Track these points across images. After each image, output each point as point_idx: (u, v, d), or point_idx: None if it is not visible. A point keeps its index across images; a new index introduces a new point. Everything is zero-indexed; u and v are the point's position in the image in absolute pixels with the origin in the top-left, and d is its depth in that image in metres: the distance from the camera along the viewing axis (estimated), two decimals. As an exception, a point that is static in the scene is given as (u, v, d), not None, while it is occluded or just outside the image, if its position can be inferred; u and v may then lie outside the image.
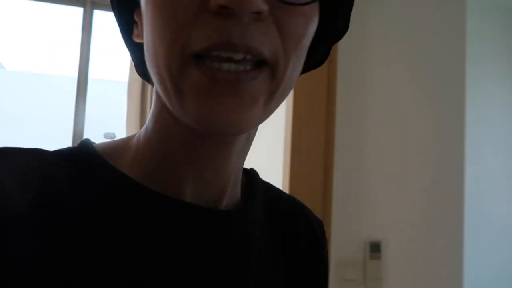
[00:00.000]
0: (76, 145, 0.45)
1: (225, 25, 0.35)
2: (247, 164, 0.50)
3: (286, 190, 1.37)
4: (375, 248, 1.41)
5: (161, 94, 0.40)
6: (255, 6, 0.34)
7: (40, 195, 0.37)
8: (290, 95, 1.39)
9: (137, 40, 0.43)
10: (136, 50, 0.46)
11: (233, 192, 0.47)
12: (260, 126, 0.43)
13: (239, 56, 0.35)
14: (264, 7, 0.35)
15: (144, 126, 0.45)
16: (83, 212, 0.39)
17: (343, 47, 1.44)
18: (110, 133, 5.33)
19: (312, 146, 1.40)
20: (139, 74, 0.50)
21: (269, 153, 1.59)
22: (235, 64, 0.35)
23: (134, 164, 0.43)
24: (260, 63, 0.37)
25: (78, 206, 0.39)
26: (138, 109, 2.54)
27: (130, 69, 2.61)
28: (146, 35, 0.39)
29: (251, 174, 0.53)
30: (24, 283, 0.34)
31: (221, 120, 0.36)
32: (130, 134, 0.48)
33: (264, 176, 0.54)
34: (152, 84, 0.46)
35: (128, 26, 0.45)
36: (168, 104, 0.39)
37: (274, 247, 0.52)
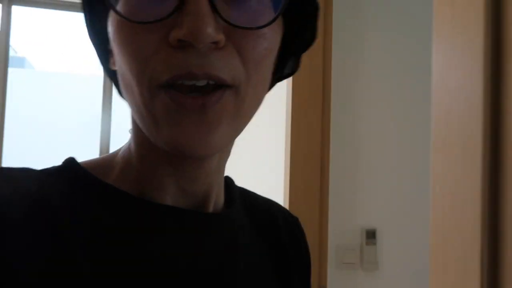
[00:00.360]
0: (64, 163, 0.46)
1: (184, 56, 0.37)
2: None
3: (285, 182, 1.52)
4: (370, 235, 1.55)
5: (138, 121, 0.42)
6: (210, 38, 0.36)
7: (31, 207, 0.39)
8: (289, 88, 1.52)
9: (114, 68, 0.44)
10: (114, 77, 0.46)
11: (218, 200, 0.49)
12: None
13: (201, 83, 0.37)
14: (220, 37, 0.37)
15: (127, 144, 0.47)
16: (74, 222, 0.40)
17: (337, 54, 1.56)
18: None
19: (309, 138, 1.51)
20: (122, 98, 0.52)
21: (268, 145, 1.74)
22: (199, 91, 0.37)
23: (120, 180, 0.44)
24: (222, 85, 0.38)
25: (69, 217, 0.40)
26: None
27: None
28: (118, 66, 0.41)
29: (228, 182, 0.54)
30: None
31: (191, 144, 0.38)
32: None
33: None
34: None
35: (104, 55, 0.46)
36: (144, 130, 0.41)
37: (260, 248, 0.53)
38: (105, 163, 0.46)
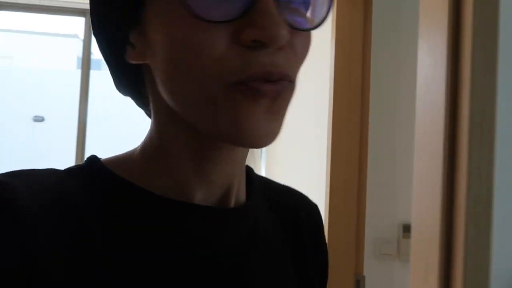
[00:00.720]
0: (83, 160, 0.46)
1: (259, 56, 0.37)
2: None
3: (327, 180, 1.65)
4: (406, 229, 1.65)
5: (188, 114, 0.40)
6: (284, 40, 0.37)
7: (54, 203, 0.39)
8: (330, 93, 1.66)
9: (132, 61, 0.43)
10: (124, 69, 0.45)
11: (239, 191, 0.48)
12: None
13: (273, 87, 0.38)
14: (288, 37, 0.38)
15: (148, 138, 0.46)
16: (95, 221, 0.40)
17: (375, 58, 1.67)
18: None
19: (350, 137, 1.63)
20: (118, 90, 0.49)
21: (311, 144, 1.87)
22: (273, 85, 0.38)
23: (142, 176, 0.44)
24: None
25: (91, 215, 0.41)
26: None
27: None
28: (165, 64, 0.39)
29: (248, 172, 0.53)
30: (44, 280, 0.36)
31: (256, 134, 0.38)
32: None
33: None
34: (135, 100, 0.48)
35: (118, 45, 0.43)
36: (192, 119, 0.40)
37: (279, 239, 0.53)
38: (126, 159, 0.46)
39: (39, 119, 8.74)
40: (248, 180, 0.51)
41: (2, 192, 0.37)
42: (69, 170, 0.44)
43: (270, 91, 0.38)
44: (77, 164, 0.46)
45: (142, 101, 0.48)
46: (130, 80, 0.46)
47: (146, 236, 0.42)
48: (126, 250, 0.41)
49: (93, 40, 1.36)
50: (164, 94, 0.41)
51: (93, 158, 0.45)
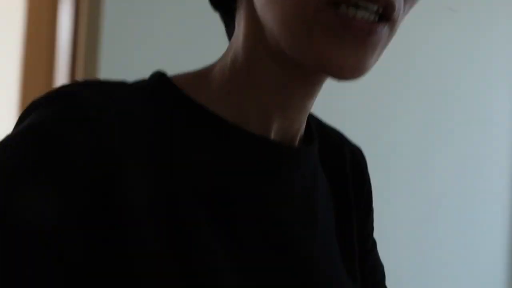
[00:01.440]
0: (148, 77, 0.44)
1: None
2: None
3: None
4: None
5: (279, 35, 0.39)
6: None
7: (127, 121, 0.38)
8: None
9: None
10: None
11: (302, 128, 0.48)
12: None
13: (374, 8, 0.37)
14: None
15: (228, 59, 0.43)
16: (166, 144, 0.39)
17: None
18: None
19: None
20: (211, 2, 0.47)
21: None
22: (368, 13, 0.37)
23: (217, 100, 0.42)
24: (382, 18, 0.38)
25: (160, 137, 0.39)
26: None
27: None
28: None
29: None
30: (133, 212, 0.35)
31: (345, 65, 0.37)
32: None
33: None
34: (224, 15, 0.47)
35: None
36: (284, 42, 0.39)
37: (326, 179, 0.53)
38: (200, 78, 0.44)
39: None
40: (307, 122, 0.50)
41: (75, 102, 0.36)
42: (137, 85, 0.42)
43: (361, 27, 0.37)
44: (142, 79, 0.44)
45: (229, 20, 0.46)
46: None
47: (219, 166, 0.41)
48: (200, 178, 0.40)
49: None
50: (261, 11, 0.40)
51: (161, 75, 0.43)
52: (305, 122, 0.47)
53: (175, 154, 0.39)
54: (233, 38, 0.44)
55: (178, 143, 0.40)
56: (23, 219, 0.32)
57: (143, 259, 0.35)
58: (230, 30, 0.46)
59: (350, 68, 0.37)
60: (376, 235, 0.58)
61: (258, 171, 0.42)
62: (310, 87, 0.43)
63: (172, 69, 0.45)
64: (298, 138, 0.46)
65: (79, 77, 1.28)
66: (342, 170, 0.54)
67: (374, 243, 0.58)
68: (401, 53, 1.51)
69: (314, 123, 0.53)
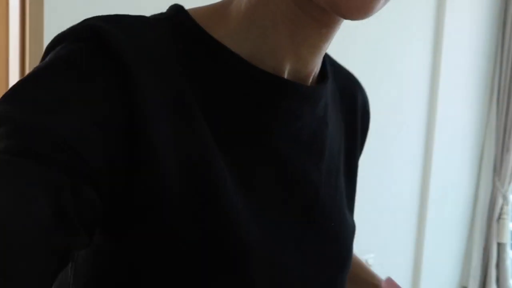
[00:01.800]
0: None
1: None
2: None
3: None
4: None
5: None
6: None
7: (149, 56, 0.38)
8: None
9: None
10: None
11: (317, 70, 0.48)
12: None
13: None
14: None
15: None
16: (188, 80, 0.40)
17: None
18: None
19: None
20: None
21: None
22: None
23: (233, 36, 0.42)
24: None
25: (181, 72, 0.40)
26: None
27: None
28: None
29: None
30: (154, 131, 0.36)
31: (352, 6, 0.37)
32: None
33: None
34: None
35: None
36: None
37: (338, 122, 0.54)
38: (217, 14, 0.43)
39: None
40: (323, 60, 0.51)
41: (99, 37, 0.37)
42: (157, 20, 0.42)
43: None
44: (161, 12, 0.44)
45: None
46: None
47: (236, 103, 0.42)
48: (219, 115, 0.41)
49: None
50: None
51: (180, 9, 0.43)
52: (320, 63, 0.47)
53: (194, 90, 0.40)
54: None
55: (198, 79, 0.40)
56: (62, 135, 0.32)
57: (162, 192, 0.37)
58: None
59: (357, 9, 0.37)
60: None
61: (270, 108, 0.43)
62: (325, 29, 0.42)
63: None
64: (311, 78, 0.47)
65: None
66: (353, 111, 0.57)
67: None
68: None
69: (330, 63, 0.54)
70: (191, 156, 0.38)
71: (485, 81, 2.89)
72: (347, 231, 0.52)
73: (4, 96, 0.34)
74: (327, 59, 0.53)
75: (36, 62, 1.33)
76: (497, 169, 2.88)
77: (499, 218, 2.89)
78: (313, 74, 0.47)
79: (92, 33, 0.37)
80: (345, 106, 0.56)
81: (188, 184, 0.38)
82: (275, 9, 0.41)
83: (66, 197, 0.31)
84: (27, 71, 1.38)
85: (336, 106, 0.54)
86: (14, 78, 1.43)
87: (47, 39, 1.34)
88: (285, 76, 0.44)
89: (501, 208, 2.89)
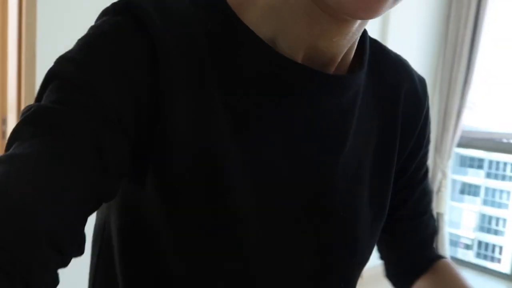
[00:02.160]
0: None
1: None
2: None
3: None
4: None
5: None
6: None
7: (181, 32, 0.42)
8: None
9: None
10: None
11: (345, 60, 0.48)
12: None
13: None
14: None
15: None
16: (214, 57, 0.43)
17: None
18: None
19: None
20: None
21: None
22: None
23: (257, 22, 0.44)
24: None
25: (211, 52, 0.43)
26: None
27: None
28: None
29: (363, 40, 0.52)
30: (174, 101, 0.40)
31: (359, 7, 0.37)
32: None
33: None
34: None
35: None
36: None
37: (372, 119, 0.52)
38: (247, 1, 0.45)
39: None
40: (361, 50, 0.51)
41: (136, 15, 0.41)
42: (195, 2, 0.45)
43: None
44: None
45: None
46: None
47: (254, 82, 0.44)
48: (235, 93, 0.44)
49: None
50: None
51: None
52: (346, 53, 0.47)
53: (216, 65, 0.43)
54: None
55: (220, 56, 0.43)
56: (95, 90, 0.38)
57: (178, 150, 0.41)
58: None
59: (364, 9, 0.38)
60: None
61: (284, 90, 0.45)
62: (343, 24, 0.42)
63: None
64: (333, 68, 0.47)
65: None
66: (395, 102, 0.54)
67: (424, 175, 0.60)
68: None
69: (376, 51, 0.54)
70: (204, 134, 0.42)
71: (430, 74, 3.23)
72: (359, 221, 0.51)
73: (59, 58, 0.40)
74: (374, 47, 0.54)
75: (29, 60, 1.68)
76: (438, 147, 3.25)
77: (438, 191, 3.27)
78: (334, 63, 0.47)
79: (127, 9, 0.42)
80: (385, 97, 0.54)
81: (197, 159, 0.42)
82: (294, 2, 0.43)
83: (105, 145, 0.37)
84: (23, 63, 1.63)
85: (372, 98, 0.52)
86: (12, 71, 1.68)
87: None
88: (299, 61, 0.45)
89: (440, 182, 3.27)
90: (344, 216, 0.49)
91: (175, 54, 0.41)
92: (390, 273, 0.65)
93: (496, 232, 4.21)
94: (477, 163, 4.42)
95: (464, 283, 0.59)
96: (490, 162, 4.39)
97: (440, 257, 0.63)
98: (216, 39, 0.44)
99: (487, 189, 4.39)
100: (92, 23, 0.43)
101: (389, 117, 0.53)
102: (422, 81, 0.58)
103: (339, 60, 0.47)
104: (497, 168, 4.42)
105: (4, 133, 1.71)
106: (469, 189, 4.45)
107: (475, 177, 4.38)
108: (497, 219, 4.33)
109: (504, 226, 4.26)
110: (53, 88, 0.38)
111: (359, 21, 0.43)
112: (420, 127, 0.57)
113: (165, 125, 0.41)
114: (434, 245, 0.64)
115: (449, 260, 0.64)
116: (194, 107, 0.42)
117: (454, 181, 3.93)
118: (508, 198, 4.39)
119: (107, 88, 0.38)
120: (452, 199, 3.72)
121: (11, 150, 0.35)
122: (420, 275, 0.62)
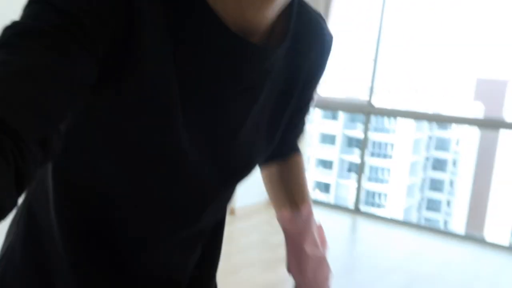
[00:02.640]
0: None
1: None
2: None
3: None
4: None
5: None
6: None
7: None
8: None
9: None
10: None
11: (275, 30, 0.58)
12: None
13: None
14: None
15: None
16: (177, 16, 0.51)
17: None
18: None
19: None
20: None
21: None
22: None
23: (220, 2, 0.51)
24: None
25: (176, 15, 0.51)
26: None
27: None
28: None
29: (291, 9, 0.60)
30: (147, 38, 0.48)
31: None
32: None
33: None
34: None
35: None
36: None
37: (288, 67, 0.62)
38: None
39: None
40: (289, 18, 0.60)
41: None
42: None
43: None
44: None
45: None
46: None
47: (203, 47, 0.53)
48: (187, 52, 0.52)
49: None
50: None
51: None
52: (269, 24, 0.56)
53: (171, 20, 0.50)
54: None
55: (177, 16, 0.51)
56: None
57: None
58: None
59: None
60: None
61: (217, 52, 0.53)
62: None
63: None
64: (258, 37, 0.56)
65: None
66: (303, 55, 0.64)
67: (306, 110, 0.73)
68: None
69: (300, 11, 0.62)
70: (162, 65, 0.50)
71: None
72: (254, 152, 0.63)
73: None
74: (299, 8, 0.62)
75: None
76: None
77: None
78: (261, 32, 0.55)
79: None
80: (296, 52, 0.62)
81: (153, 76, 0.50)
82: None
83: (79, 59, 0.42)
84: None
85: (292, 55, 0.62)
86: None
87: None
88: (233, 29, 0.53)
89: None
90: (245, 148, 0.62)
91: (147, 13, 0.48)
92: None
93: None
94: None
95: (300, 175, 0.79)
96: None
97: (296, 149, 0.80)
98: (185, 11, 0.51)
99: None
100: None
101: (295, 67, 0.63)
102: (330, 38, 0.67)
103: (264, 29, 0.55)
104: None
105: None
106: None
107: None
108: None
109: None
110: (33, 7, 0.43)
111: None
112: (317, 78, 0.68)
113: (136, 54, 0.48)
114: (297, 141, 0.79)
115: (301, 155, 0.81)
116: (157, 50, 0.49)
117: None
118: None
119: (86, 15, 0.43)
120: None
121: None
122: (275, 160, 0.78)
